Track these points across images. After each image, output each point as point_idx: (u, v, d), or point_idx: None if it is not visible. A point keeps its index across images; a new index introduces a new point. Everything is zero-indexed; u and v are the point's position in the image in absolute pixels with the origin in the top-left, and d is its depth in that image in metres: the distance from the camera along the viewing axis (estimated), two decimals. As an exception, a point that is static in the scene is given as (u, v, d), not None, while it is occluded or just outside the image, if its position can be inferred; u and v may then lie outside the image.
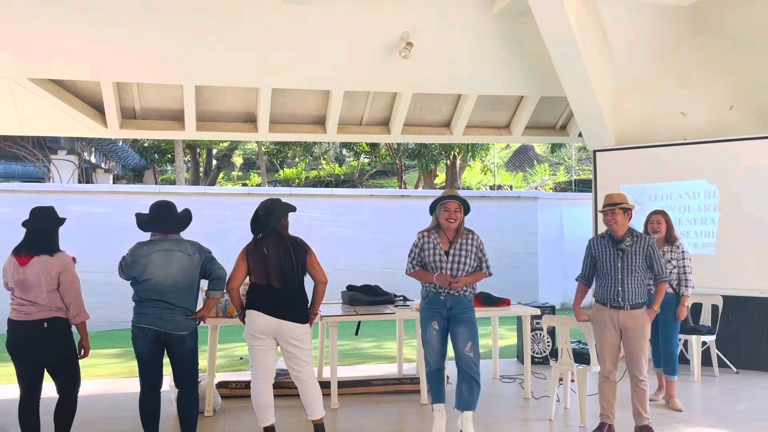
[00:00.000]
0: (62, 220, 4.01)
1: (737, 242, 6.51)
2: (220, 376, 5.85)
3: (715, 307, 6.34)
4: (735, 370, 6.41)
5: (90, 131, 7.27)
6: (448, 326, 4.36)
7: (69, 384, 3.98)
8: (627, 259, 4.30)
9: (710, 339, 6.24)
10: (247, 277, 4.16)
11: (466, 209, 4.38)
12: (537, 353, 6.55)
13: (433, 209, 4.42)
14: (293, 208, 4.23)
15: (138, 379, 4.03)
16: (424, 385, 5.33)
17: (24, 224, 3.95)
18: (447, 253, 4.30)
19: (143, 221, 4.10)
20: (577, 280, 4.65)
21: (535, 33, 6.48)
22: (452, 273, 4.28)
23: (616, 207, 4.31)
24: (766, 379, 6.12)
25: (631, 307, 4.29)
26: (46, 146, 15.29)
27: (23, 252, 3.86)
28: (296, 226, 4.42)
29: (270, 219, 4.09)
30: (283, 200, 4.25)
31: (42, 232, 3.90)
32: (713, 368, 6.27)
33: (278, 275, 4.04)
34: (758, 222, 6.43)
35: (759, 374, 6.31)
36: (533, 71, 7.35)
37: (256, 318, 4.04)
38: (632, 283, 4.29)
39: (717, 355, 6.31)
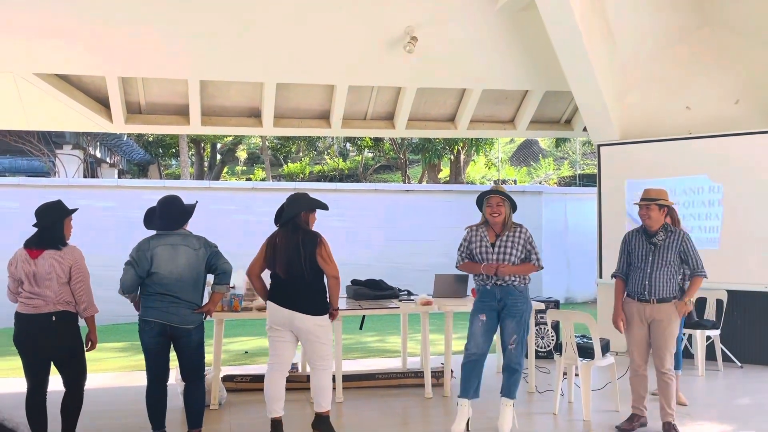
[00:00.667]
0: (69, 212, 4.01)
1: (742, 237, 6.50)
2: (226, 370, 5.87)
3: (719, 302, 6.34)
4: (739, 364, 6.41)
5: (95, 126, 7.28)
6: (498, 319, 4.36)
7: (75, 377, 4.00)
8: (659, 254, 4.31)
9: (714, 333, 6.23)
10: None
11: (513, 204, 4.41)
12: (541, 347, 6.56)
13: (480, 205, 4.49)
14: (321, 205, 4.30)
15: (144, 372, 4.07)
16: (428, 380, 5.36)
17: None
18: (493, 245, 4.36)
19: (153, 220, 4.10)
20: (613, 276, 4.59)
21: (539, 27, 6.46)
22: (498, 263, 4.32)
23: (651, 203, 4.33)
24: (771, 374, 6.13)
25: (658, 301, 4.29)
26: (52, 141, 15.33)
27: (33, 246, 3.89)
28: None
29: (287, 210, 4.19)
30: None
31: (44, 227, 3.92)
32: (717, 363, 6.28)
33: (284, 266, 4.11)
34: (763, 216, 6.40)
35: (763, 369, 6.31)
36: (538, 65, 7.33)
37: (272, 309, 4.16)
38: (661, 278, 4.29)
39: (721, 349, 6.31)
